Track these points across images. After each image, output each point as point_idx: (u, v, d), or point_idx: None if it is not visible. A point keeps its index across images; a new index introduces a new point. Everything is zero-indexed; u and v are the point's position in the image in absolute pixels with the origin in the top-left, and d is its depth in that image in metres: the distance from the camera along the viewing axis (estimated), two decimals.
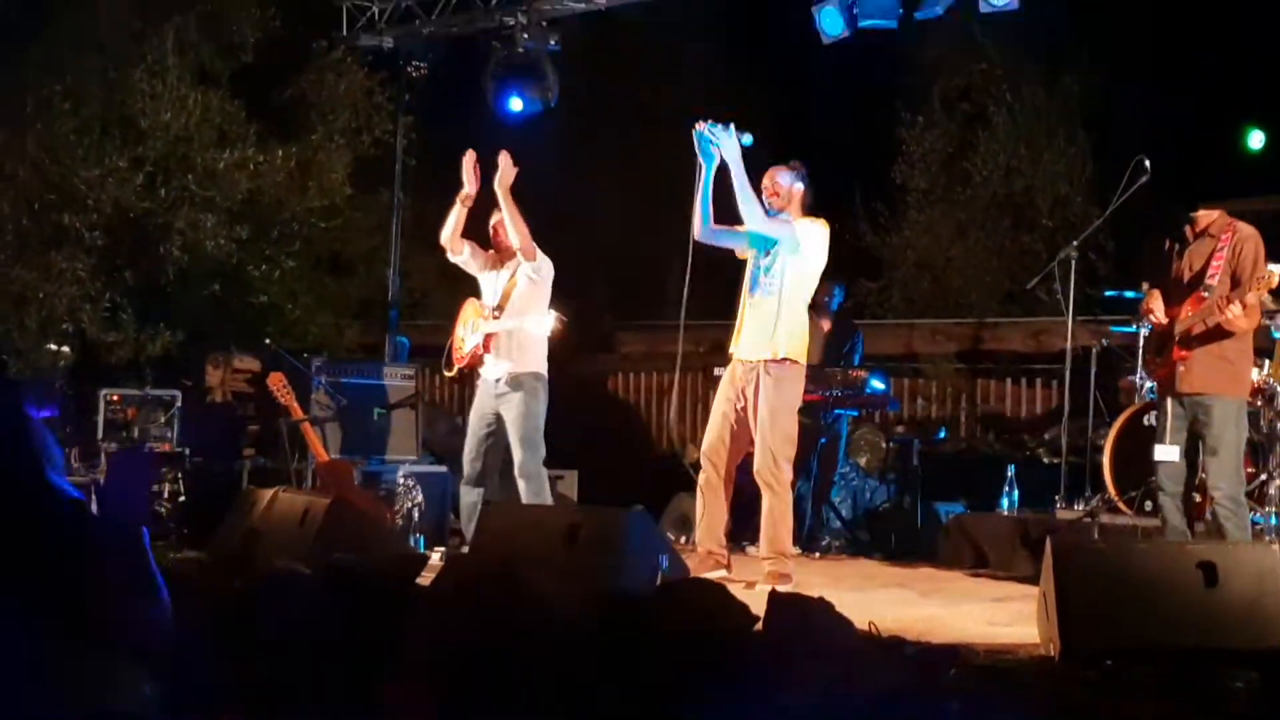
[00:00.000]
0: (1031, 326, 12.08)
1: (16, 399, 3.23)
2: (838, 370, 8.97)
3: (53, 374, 9.99)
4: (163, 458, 9.10)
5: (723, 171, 6.58)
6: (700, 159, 6.62)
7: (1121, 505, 7.78)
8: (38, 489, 3.13)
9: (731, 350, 6.81)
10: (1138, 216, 8.20)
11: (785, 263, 6.63)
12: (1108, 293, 9.12)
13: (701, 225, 6.71)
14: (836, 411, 9.01)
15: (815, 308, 9.72)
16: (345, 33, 11.48)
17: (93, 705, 3.12)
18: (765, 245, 6.69)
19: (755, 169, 6.69)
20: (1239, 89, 10.98)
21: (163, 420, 9.47)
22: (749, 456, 6.69)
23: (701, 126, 6.54)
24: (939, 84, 13.94)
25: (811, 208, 6.81)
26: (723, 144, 6.51)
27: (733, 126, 6.55)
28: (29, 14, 9.67)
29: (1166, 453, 6.35)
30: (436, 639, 4.54)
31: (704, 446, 6.78)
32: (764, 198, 6.65)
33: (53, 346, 10.05)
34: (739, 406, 6.67)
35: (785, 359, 6.60)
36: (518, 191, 7.29)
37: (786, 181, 6.75)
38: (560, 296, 7.52)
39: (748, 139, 6.60)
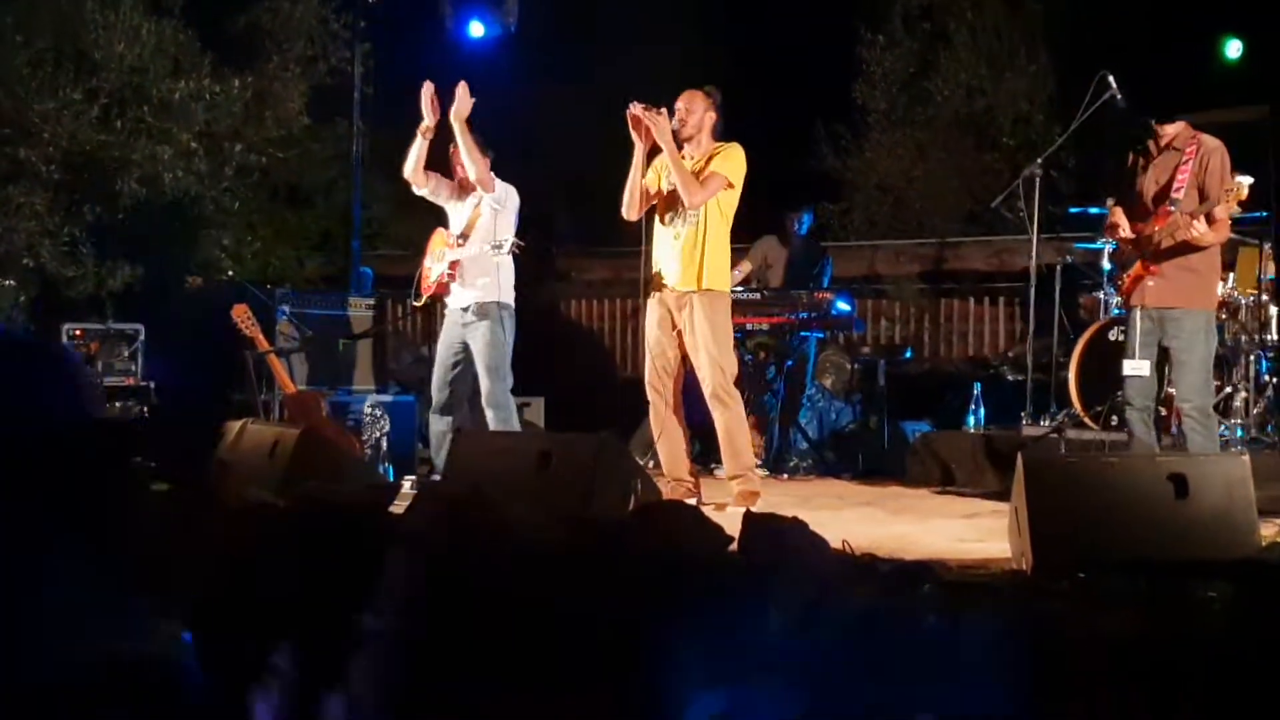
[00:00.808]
0: (994, 246, 12.12)
1: (58, 349, 3.27)
2: (803, 293, 8.99)
3: (11, 311, 9.89)
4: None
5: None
6: (636, 139, 6.64)
7: (1087, 420, 7.86)
8: (78, 425, 3.15)
9: (654, 280, 6.81)
10: (1100, 133, 8.21)
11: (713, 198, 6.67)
12: (1071, 209, 9.15)
13: (632, 208, 6.78)
14: (802, 334, 9.03)
15: (782, 233, 9.79)
16: None
17: (130, 650, 3.14)
18: None
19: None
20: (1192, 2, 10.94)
21: (126, 354, 9.40)
22: (690, 379, 6.74)
23: (636, 109, 6.55)
24: (900, 2, 13.84)
25: (722, 135, 6.80)
26: (655, 126, 6.53)
27: (665, 110, 6.60)
28: None
29: (1136, 367, 6.39)
30: (411, 567, 4.54)
31: (647, 378, 6.82)
32: (674, 119, 6.65)
33: (10, 282, 9.92)
34: (672, 333, 6.73)
35: (714, 290, 6.65)
36: (478, 119, 7.22)
37: (701, 108, 6.76)
38: (522, 224, 7.48)
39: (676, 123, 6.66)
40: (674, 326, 6.73)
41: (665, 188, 6.76)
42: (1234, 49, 9.47)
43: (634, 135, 6.64)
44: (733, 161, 6.68)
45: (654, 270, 6.82)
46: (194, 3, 10.92)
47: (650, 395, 6.82)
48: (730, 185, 6.66)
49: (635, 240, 6.94)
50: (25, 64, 9.92)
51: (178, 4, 10.81)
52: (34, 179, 9.83)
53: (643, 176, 6.75)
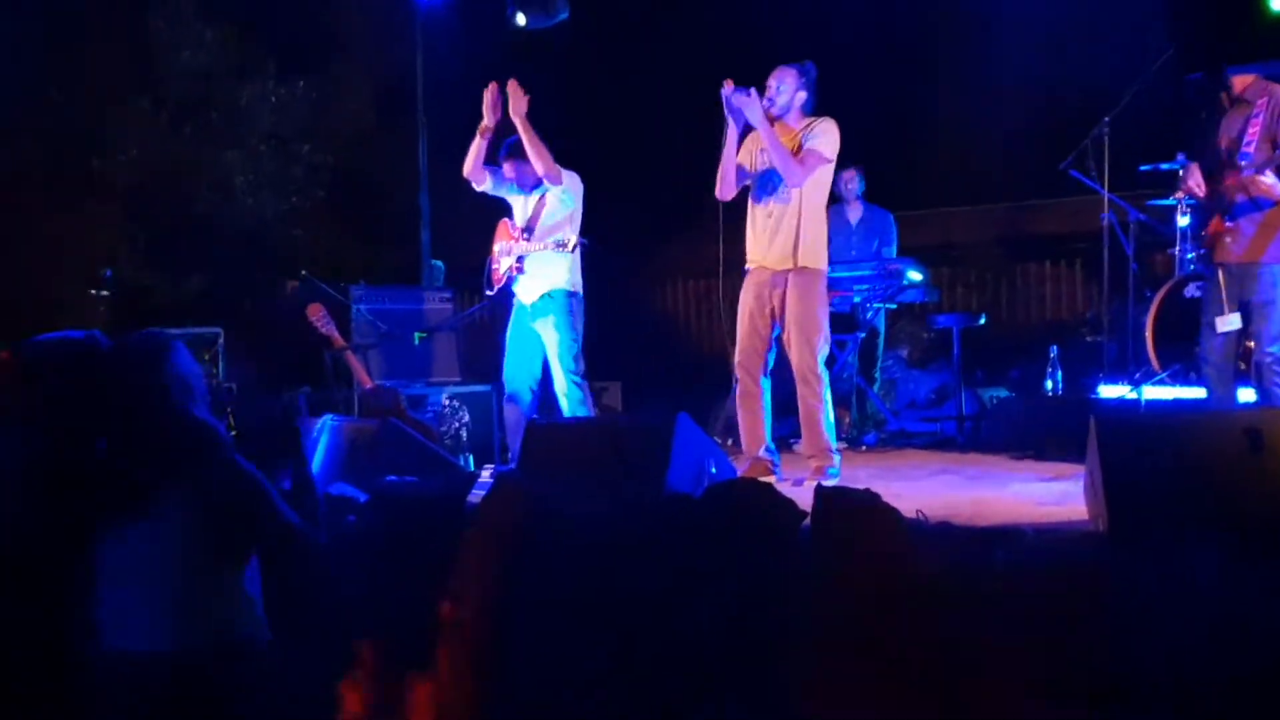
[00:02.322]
0: (1068, 206, 11.95)
1: (156, 344, 3.38)
2: (872, 263, 8.94)
3: (94, 319, 10.07)
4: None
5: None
6: (729, 120, 6.59)
7: (1166, 378, 7.76)
8: (174, 423, 3.26)
9: (749, 259, 6.81)
10: (1171, 88, 8.08)
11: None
12: (1142, 167, 9.01)
13: (726, 188, 6.75)
14: (874, 305, 8.99)
15: (839, 198, 9.69)
16: None
17: (218, 635, 3.23)
18: None
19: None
20: None
21: (207, 357, 9.56)
22: (781, 360, 6.73)
23: (728, 90, 6.51)
24: None
25: (815, 109, 6.76)
26: (746, 108, 6.48)
27: (754, 91, 6.52)
28: None
29: (1227, 322, 6.29)
30: (488, 555, 4.59)
31: (737, 356, 6.80)
32: (765, 97, 6.61)
33: (93, 292, 10.11)
34: (767, 312, 6.69)
35: (810, 268, 6.61)
36: (543, 109, 7.26)
37: (792, 86, 6.69)
38: (595, 209, 7.50)
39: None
40: (768, 306, 6.70)
41: (759, 167, 6.72)
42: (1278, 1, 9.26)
43: (727, 115, 6.60)
44: (828, 137, 6.61)
45: (748, 249, 6.80)
46: (256, 7, 11.04)
47: (739, 373, 6.78)
48: (828, 161, 6.61)
49: (709, 221, 6.94)
50: (95, 74, 10.09)
51: (240, 9, 10.95)
52: (107, 189, 10.00)
53: (736, 156, 6.73)
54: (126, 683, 3.15)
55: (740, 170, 6.74)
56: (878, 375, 9.20)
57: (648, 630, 3.91)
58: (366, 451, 6.16)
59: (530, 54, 10.75)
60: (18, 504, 3.24)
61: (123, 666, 3.16)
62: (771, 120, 6.61)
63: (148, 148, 10.22)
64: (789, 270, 6.61)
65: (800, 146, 6.62)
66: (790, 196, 6.61)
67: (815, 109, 6.76)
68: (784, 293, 6.62)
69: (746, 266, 6.83)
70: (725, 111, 6.59)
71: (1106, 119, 8.11)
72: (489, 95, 7.24)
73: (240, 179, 10.66)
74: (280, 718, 3.42)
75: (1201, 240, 6.52)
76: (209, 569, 3.25)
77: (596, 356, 7.52)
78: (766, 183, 6.70)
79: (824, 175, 6.67)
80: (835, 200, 9.77)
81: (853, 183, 9.62)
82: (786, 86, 6.68)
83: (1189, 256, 7.96)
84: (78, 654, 3.20)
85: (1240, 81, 6.33)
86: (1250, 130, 6.20)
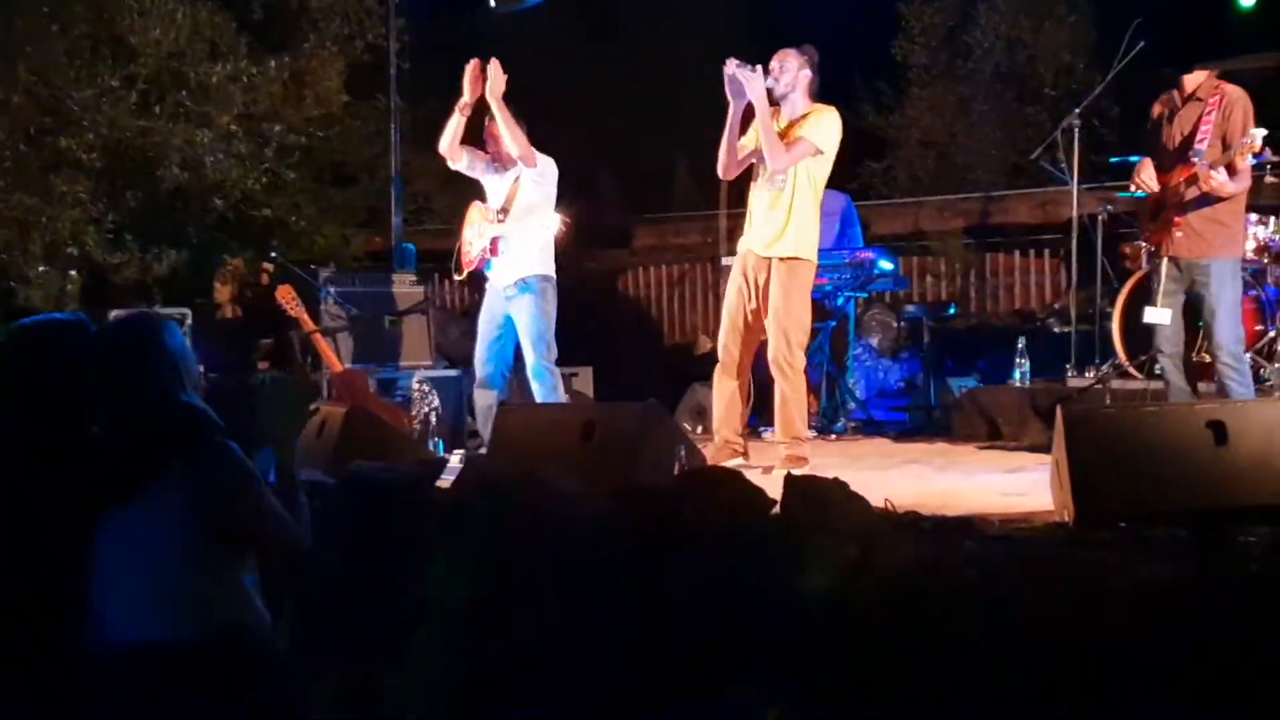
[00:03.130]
0: (1038, 198, 12.02)
1: (145, 329, 3.36)
2: (844, 252, 8.95)
3: (61, 299, 10.01)
4: None
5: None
6: (730, 98, 6.58)
7: (1132, 370, 7.82)
8: (165, 407, 3.25)
9: (741, 240, 6.81)
10: (1141, 81, 8.12)
11: (802, 164, 6.61)
12: (1113, 159, 9.05)
13: (727, 168, 6.75)
14: (844, 293, 9.01)
15: None
16: None
17: (220, 621, 3.22)
18: None
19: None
20: None
21: None
22: (762, 345, 6.73)
23: (731, 67, 6.49)
24: None
25: (818, 94, 6.76)
26: (749, 83, 6.46)
27: (760, 68, 6.50)
28: None
29: (1157, 315, 6.38)
30: (458, 540, 4.60)
31: (719, 336, 6.80)
32: (769, 79, 6.60)
33: (57, 270, 10.04)
34: (751, 296, 6.68)
35: (796, 258, 6.61)
36: (517, 89, 7.24)
37: (794, 66, 6.68)
38: (567, 193, 7.50)
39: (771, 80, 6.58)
40: (753, 289, 6.68)
41: (760, 148, 6.67)
42: None
43: (729, 94, 6.56)
44: (824, 126, 6.59)
45: (744, 230, 6.80)
46: None
47: (720, 353, 6.76)
48: (818, 152, 6.58)
49: (680, 206, 6.95)
50: (63, 52, 10.00)
51: None
52: (75, 167, 9.93)
53: (739, 137, 6.70)
54: (134, 673, 3.15)
55: (744, 152, 6.72)
56: (850, 363, 9.21)
57: (620, 618, 3.92)
58: (336, 436, 6.14)
59: (504, 33, 10.75)
60: (10, 490, 3.22)
61: (129, 657, 3.15)
62: (774, 102, 6.61)
63: (117, 127, 10.13)
64: (775, 258, 6.61)
65: (796, 132, 6.61)
66: (784, 184, 6.60)
67: (819, 94, 6.75)
68: (768, 279, 6.62)
69: (738, 247, 6.83)
70: (726, 89, 6.57)
71: (1077, 110, 8.16)
72: (470, 71, 7.21)
73: (210, 159, 10.59)
74: (288, 703, 3.42)
75: (1150, 233, 6.59)
76: (209, 557, 3.24)
77: (567, 341, 7.52)
78: (766, 165, 6.68)
79: (817, 166, 6.61)
80: None
81: None
82: (790, 66, 6.65)
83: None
84: (81, 645, 3.19)
85: (1191, 80, 6.39)
86: (1203, 127, 6.26)
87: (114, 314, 9.19)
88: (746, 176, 6.85)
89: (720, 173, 6.80)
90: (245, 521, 3.28)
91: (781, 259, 6.59)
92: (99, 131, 9.98)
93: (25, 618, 3.21)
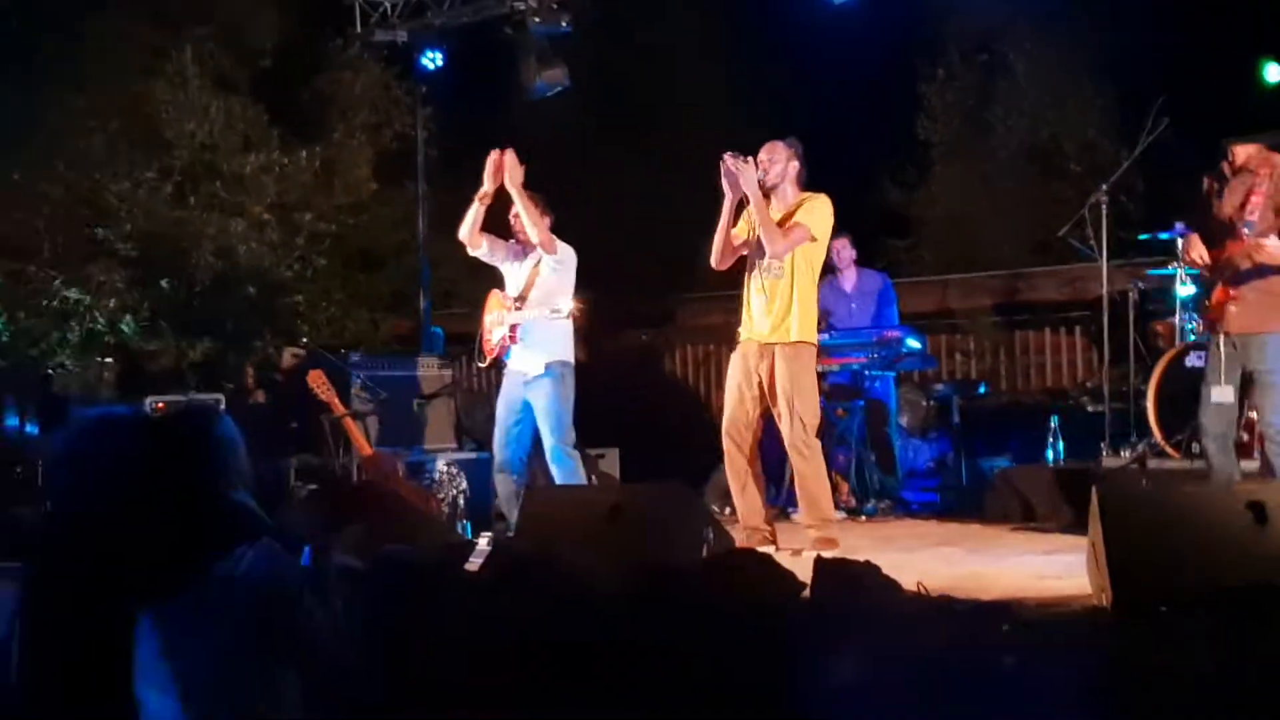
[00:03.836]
0: (1066, 274, 11.98)
1: (203, 422, 3.33)
2: (872, 332, 8.93)
3: (98, 386, 10.07)
4: None
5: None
6: (726, 190, 6.65)
7: (1168, 449, 7.72)
8: (214, 504, 3.22)
9: (741, 330, 6.83)
10: (1167, 156, 8.12)
11: (799, 250, 6.65)
12: (1141, 235, 9.03)
13: (721, 257, 6.80)
14: (873, 373, 8.97)
15: (832, 268, 9.70)
16: (359, 30, 11.54)
17: (258, 715, 3.19)
18: None
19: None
20: (1254, 23, 10.80)
21: None
22: (771, 427, 6.73)
23: (728, 160, 6.56)
24: (957, 36, 13.82)
25: (807, 183, 6.81)
26: (742, 175, 6.54)
27: (752, 160, 6.59)
28: (52, 34, 9.71)
29: (1222, 394, 6.25)
30: (484, 624, 4.56)
31: (725, 425, 6.80)
32: (759, 170, 6.66)
33: (97, 359, 10.11)
34: (755, 384, 6.70)
35: (799, 342, 6.63)
36: (544, 171, 7.30)
37: (784, 158, 6.75)
38: (593, 274, 7.52)
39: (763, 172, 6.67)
40: (755, 379, 6.71)
41: (754, 238, 6.74)
42: (1273, 72, 9.30)
43: (725, 185, 6.64)
44: (818, 214, 6.66)
45: (742, 320, 6.82)
46: (261, 79, 11.13)
47: (727, 444, 6.78)
48: (813, 239, 6.64)
49: (705, 287, 6.98)
50: (100, 146, 10.14)
51: (245, 81, 11.04)
52: (112, 257, 10.03)
53: (732, 227, 6.76)
54: None
55: (735, 242, 6.78)
56: (894, 438, 9.17)
57: (648, 699, 3.87)
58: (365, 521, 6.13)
59: (531, 119, 10.85)
60: (59, 584, 3.19)
61: None
62: (766, 193, 6.66)
63: (153, 217, 10.24)
64: (778, 343, 6.63)
65: (791, 219, 6.65)
66: (782, 271, 6.65)
67: (809, 183, 6.81)
68: (772, 365, 6.63)
69: (739, 337, 6.85)
70: (723, 181, 6.63)
71: (1104, 187, 8.15)
72: (490, 162, 7.29)
73: (243, 248, 10.69)
74: None
75: (1205, 310, 6.50)
76: (251, 657, 3.20)
77: (593, 423, 7.51)
78: (761, 255, 6.72)
79: (814, 251, 6.68)
80: (829, 271, 9.79)
81: (844, 250, 9.63)
82: (779, 157, 6.74)
83: (1189, 325, 7.95)
84: None
85: (1242, 151, 6.34)
86: (1254, 198, 6.19)
87: (149, 400, 9.30)
88: (741, 267, 6.89)
89: (713, 262, 6.85)
90: (288, 627, 3.24)
91: (786, 344, 6.61)
92: (135, 222, 10.10)
93: (70, 711, 3.18)
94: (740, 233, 6.79)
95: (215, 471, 3.26)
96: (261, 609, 3.16)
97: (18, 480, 8.95)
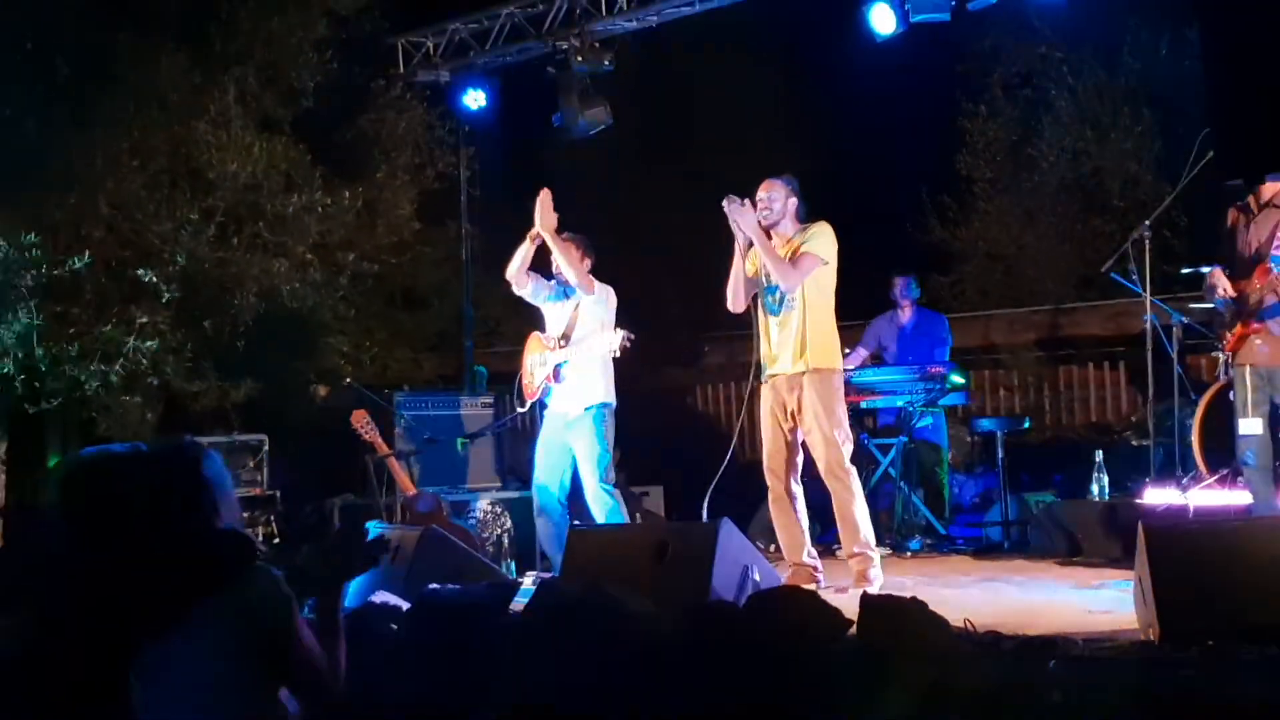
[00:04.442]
0: (1109, 309, 11.93)
1: (194, 461, 3.35)
2: (915, 366, 8.93)
3: (141, 428, 10.14)
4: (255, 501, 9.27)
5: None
6: (735, 232, 6.74)
7: (1214, 483, 7.67)
8: (203, 533, 3.25)
9: (766, 367, 6.86)
10: (1210, 190, 8.08)
11: (809, 278, 6.70)
12: (1184, 270, 8.99)
13: (736, 300, 6.88)
14: (920, 409, 8.95)
15: (893, 304, 9.76)
16: (402, 69, 11.66)
17: None
18: None
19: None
20: None
21: (252, 465, 9.62)
22: (809, 460, 6.74)
23: (726, 205, 6.65)
24: (998, 71, 13.83)
25: (806, 216, 6.84)
26: (740, 218, 6.63)
27: (748, 201, 6.69)
28: (92, 74, 9.82)
29: (1250, 426, 6.26)
30: (531, 664, 4.57)
31: (765, 461, 6.84)
32: (759, 210, 6.72)
33: (138, 399, 10.16)
34: (788, 416, 6.74)
35: (823, 368, 6.66)
36: (585, 209, 7.37)
37: (782, 195, 6.81)
38: (634, 312, 7.56)
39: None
40: (786, 411, 6.74)
41: (763, 276, 6.81)
42: None
43: (733, 228, 6.72)
44: (822, 239, 6.71)
45: (762, 357, 6.86)
46: (303, 119, 11.22)
47: (769, 479, 6.83)
48: (824, 262, 6.68)
49: (745, 324, 7.02)
50: (142, 187, 10.24)
51: (287, 121, 11.12)
52: (155, 299, 10.10)
53: (743, 268, 6.82)
54: None
55: (749, 282, 6.83)
56: (945, 484, 9.19)
57: None
58: (409, 559, 6.16)
59: (571, 157, 10.91)
60: (56, 616, 3.23)
61: None
62: (767, 231, 6.73)
63: (196, 258, 10.32)
64: (803, 373, 6.67)
65: (797, 251, 6.70)
66: (794, 303, 6.70)
67: (808, 215, 6.86)
68: (800, 395, 6.66)
69: (764, 374, 6.88)
70: (731, 226, 6.70)
71: (1147, 222, 8.12)
72: (541, 200, 7.35)
73: (286, 288, 10.76)
74: None
75: (1227, 342, 6.50)
76: (248, 682, 3.22)
77: (637, 460, 7.53)
78: (772, 292, 6.79)
79: (824, 277, 6.73)
80: (890, 306, 9.85)
81: (905, 288, 9.71)
82: (777, 195, 6.81)
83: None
84: None
85: (1270, 188, 6.36)
86: (1279, 234, 6.20)
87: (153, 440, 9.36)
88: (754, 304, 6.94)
89: (730, 306, 6.93)
90: (280, 648, 3.26)
91: (812, 372, 6.63)
92: (177, 263, 10.17)
93: None
94: (749, 271, 6.86)
95: (207, 505, 3.30)
96: (252, 637, 3.18)
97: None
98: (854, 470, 6.75)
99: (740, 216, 6.64)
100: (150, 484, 3.31)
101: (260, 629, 3.19)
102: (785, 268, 6.65)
